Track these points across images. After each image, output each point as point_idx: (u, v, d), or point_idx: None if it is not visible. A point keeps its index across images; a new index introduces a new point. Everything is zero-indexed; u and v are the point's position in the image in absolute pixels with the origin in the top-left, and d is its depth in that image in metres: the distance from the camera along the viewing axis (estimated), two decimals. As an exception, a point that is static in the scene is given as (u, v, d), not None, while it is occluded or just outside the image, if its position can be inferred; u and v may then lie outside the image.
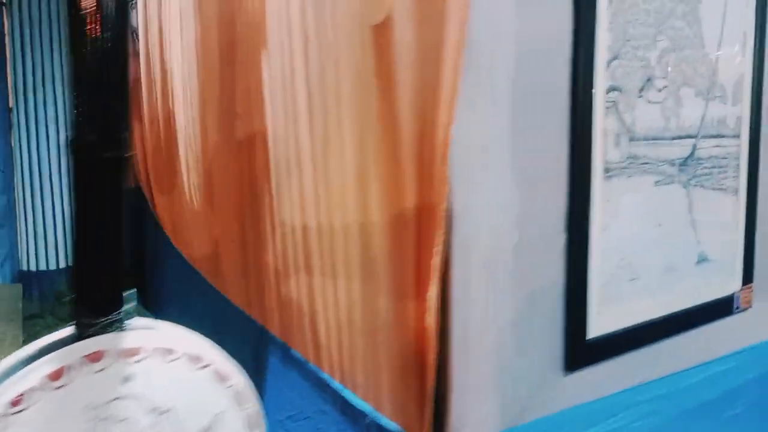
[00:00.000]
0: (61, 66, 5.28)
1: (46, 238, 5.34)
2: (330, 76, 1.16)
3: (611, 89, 1.17)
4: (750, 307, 1.55)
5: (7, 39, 5.13)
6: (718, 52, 1.39)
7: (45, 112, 5.24)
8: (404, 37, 0.93)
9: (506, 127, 0.99)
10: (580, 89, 1.10)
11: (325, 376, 1.33)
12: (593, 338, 1.17)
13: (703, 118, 1.38)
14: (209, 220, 1.97)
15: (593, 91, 1.12)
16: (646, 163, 1.26)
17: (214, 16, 1.75)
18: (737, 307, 1.51)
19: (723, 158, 1.45)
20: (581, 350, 1.15)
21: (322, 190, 1.25)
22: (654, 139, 1.27)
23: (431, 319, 0.94)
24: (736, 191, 1.49)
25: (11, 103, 5.23)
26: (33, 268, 5.36)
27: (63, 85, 5.31)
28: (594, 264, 1.16)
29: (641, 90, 1.23)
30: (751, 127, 1.51)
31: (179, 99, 2.25)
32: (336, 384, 1.29)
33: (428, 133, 0.92)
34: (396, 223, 1.00)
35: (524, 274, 1.05)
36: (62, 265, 5.42)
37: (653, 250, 1.30)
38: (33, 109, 5.21)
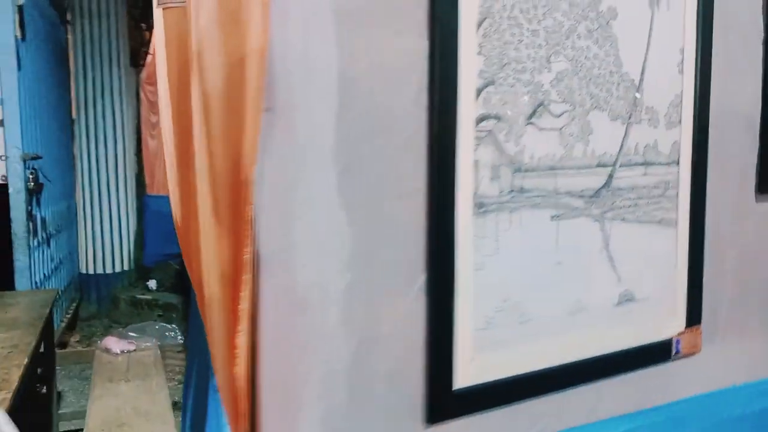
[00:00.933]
0: (120, 79, 5.52)
1: (103, 242, 5.58)
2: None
3: (485, 118, 1.06)
4: (699, 351, 1.39)
5: (70, 54, 5.40)
6: (643, 72, 1.25)
7: (104, 123, 5.49)
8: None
9: (331, 164, 0.91)
10: (435, 120, 1.00)
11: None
12: (463, 388, 1.07)
13: (622, 145, 1.24)
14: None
15: (456, 121, 1.02)
16: (540, 196, 1.14)
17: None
18: (677, 352, 1.36)
19: (654, 188, 1.30)
20: (447, 401, 1.05)
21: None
22: (550, 169, 1.15)
23: (240, 368, 0.88)
24: (674, 223, 1.34)
25: (74, 114, 5.50)
26: (91, 271, 5.62)
27: (121, 97, 5.55)
28: (464, 306, 1.06)
29: (530, 117, 1.11)
30: (694, 152, 1.35)
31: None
32: None
33: (229, 173, 0.86)
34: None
35: (365, 316, 0.97)
36: (118, 269, 5.66)
37: (551, 290, 1.18)
38: (93, 120, 5.45)
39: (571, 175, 1.18)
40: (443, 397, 1.05)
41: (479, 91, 1.05)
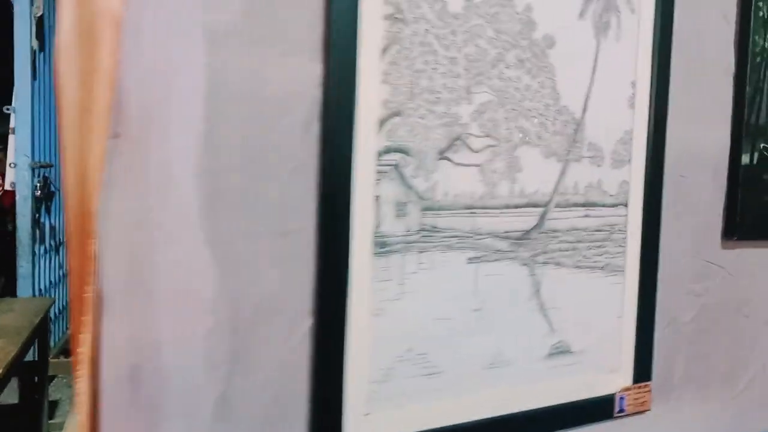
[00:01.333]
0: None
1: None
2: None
3: (389, 150, 0.97)
4: (648, 410, 1.27)
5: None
6: (586, 106, 1.15)
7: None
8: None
9: (193, 196, 0.84)
10: (327, 151, 0.92)
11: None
12: (353, 444, 0.97)
13: (558, 183, 1.14)
14: None
15: (351, 153, 0.93)
16: (455, 237, 1.04)
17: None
18: (621, 411, 1.23)
19: (597, 231, 1.19)
20: (334, 459, 0.96)
21: None
22: (468, 208, 1.05)
23: (82, 416, 0.80)
24: (621, 270, 1.22)
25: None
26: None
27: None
28: (358, 355, 0.97)
29: (444, 151, 1.02)
30: (646, 194, 1.24)
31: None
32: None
33: (76, 203, 0.79)
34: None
35: (232, 365, 0.88)
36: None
37: (467, 339, 1.07)
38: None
39: (495, 214, 1.08)
40: (330, 456, 0.96)
41: (383, 122, 0.96)
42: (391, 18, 0.96)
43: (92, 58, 0.77)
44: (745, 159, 1.35)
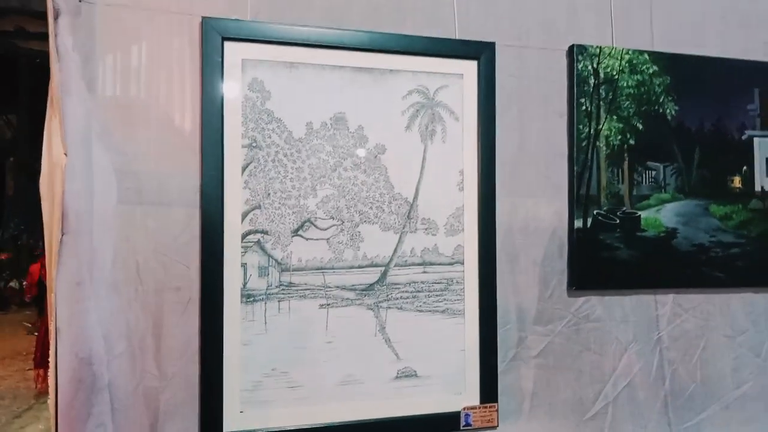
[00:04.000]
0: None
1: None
2: None
3: (251, 232, 1.44)
4: (496, 426, 1.56)
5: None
6: (417, 191, 1.55)
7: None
8: None
9: (108, 276, 1.34)
10: (205, 236, 1.40)
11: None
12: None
13: (396, 249, 1.53)
14: None
15: (222, 236, 1.41)
16: (308, 289, 1.47)
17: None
18: (467, 425, 1.54)
19: (436, 283, 1.56)
20: (216, 442, 1.38)
21: None
22: (319, 269, 1.47)
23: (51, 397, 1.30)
24: (461, 313, 1.56)
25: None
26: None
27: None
28: (232, 371, 1.40)
29: (296, 231, 1.46)
30: (481, 254, 1.58)
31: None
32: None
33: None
34: None
35: (144, 373, 1.35)
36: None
37: (321, 364, 1.47)
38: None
39: (342, 273, 1.49)
40: (212, 440, 1.38)
41: (245, 214, 1.43)
42: (248, 146, 1.44)
43: (53, 187, 1.32)
44: (579, 223, 1.65)
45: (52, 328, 1.31)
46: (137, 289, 1.36)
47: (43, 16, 1.32)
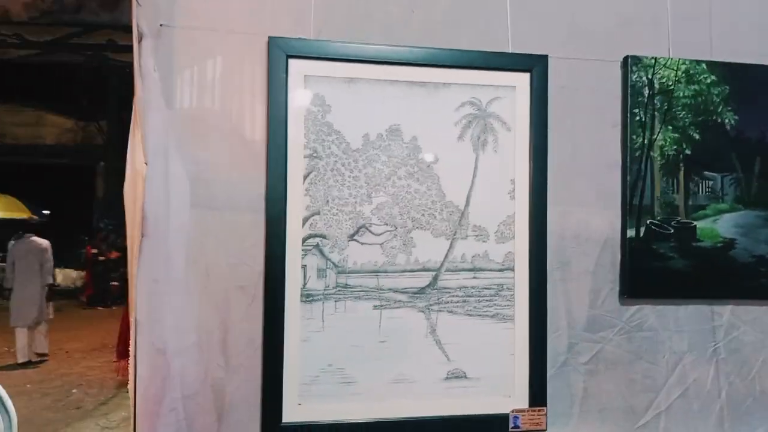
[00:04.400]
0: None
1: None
2: None
3: (311, 236, 1.54)
4: (544, 429, 1.59)
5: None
6: (469, 199, 1.60)
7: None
8: None
9: (183, 273, 1.47)
10: (269, 239, 1.51)
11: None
12: (290, 423, 1.49)
13: (447, 255, 1.59)
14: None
15: (285, 239, 1.51)
16: (363, 291, 1.55)
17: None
18: (515, 427, 1.58)
19: (486, 288, 1.61)
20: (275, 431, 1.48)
21: None
22: (373, 272, 1.56)
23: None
24: (511, 318, 1.61)
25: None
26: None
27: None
28: (292, 365, 1.50)
29: (353, 236, 1.55)
30: (532, 262, 1.62)
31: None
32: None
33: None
34: None
35: (214, 365, 1.47)
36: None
37: (374, 362, 1.54)
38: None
39: (395, 276, 1.57)
40: (272, 429, 1.48)
41: (306, 220, 1.53)
42: (310, 156, 1.54)
43: (135, 193, 1.46)
44: (632, 233, 1.66)
45: (132, 321, 1.45)
46: (206, 287, 1.48)
47: (131, 30, 1.46)
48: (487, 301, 1.60)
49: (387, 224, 1.57)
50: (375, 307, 1.55)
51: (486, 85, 1.63)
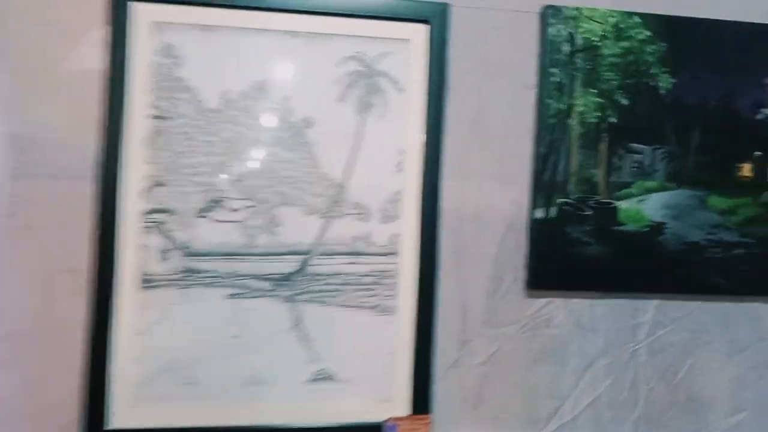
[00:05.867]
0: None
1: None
2: None
3: (154, 211, 1.28)
4: (429, 440, 1.35)
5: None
6: (350, 172, 1.35)
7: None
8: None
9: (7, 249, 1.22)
10: (100, 214, 1.25)
11: None
12: (118, 429, 1.25)
13: (321, 236, 1.34)
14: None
15: (118, 214, 1.26)
16: (214, 277, 1.30)
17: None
18: (393, 437, 1.34)
19: (366, 276, 1.36)
20: (100, 438, 1.24)
21: None
22: (228, 254, 1.30)
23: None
24: (393, 311, 1.36)
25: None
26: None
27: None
28: (123, 363, 1.26)
29: (202, 211, 1.29)
30: (422, 245, 1.37)
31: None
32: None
33: None
34: None
35: (27, 360, 1.23)
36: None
37: (224, 360, 1.30)
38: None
39: (255, 260, 1.31)
40: (96, 435, 1.24)
41: (147, 191, 1.27)
42: (155, 117, 1.28)
43: None
44: (540, 213, 1.39)
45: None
46: (26, 269, 1.23)
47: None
48: (366, 290, 1.35)
49: (248, 198, 1.31)
50: (229, 296, 1.30)
51: (374, 38, 1.36)
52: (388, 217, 1.36)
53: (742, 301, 1.47)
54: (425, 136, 1.36)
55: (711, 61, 1.46)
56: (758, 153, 1.47)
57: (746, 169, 1.47)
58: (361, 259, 1.35)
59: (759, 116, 1.48)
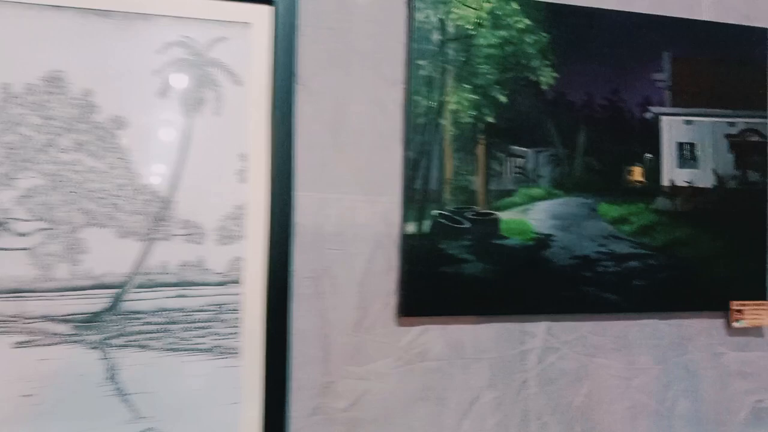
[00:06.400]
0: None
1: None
2: None
3: None
4: (285, 508, 1.10)
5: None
6: (176, 183, 1.08)
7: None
8: None
9: None
10: None
11: None
12: None
13: (140, 263, 1.06)
14: None
15: None
16: (-3, 322, 1.00)
17: None
18: (239, 508, 1.08)
19: (198, 311, 1.09)
20: None
21: None
22: (15, 292, 1.01)
23: None
24: (234, 352, 1.10)
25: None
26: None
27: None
28: None
29: (-22, 237, 1.00)
30: (271, 269, 1.12)
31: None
32: None
33: None
34: None
35: None
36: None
37: (14, 426, 1.00)
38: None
39: (51, 297, 1.03)
40: None
41: None
42: None
43: None
44: (412, 228, 1.19)
45: None
46: None
47: None
48: (200, 329, 1.10)
49: (40, 219, 1.03)
50: (17, 344, 1.01)
51: (206, 20, 1.12)
52: (228, 237, 1.11)
53: (640, 318, 1.32)
54: (273, 138, 1.13)
55: (596, 54, 1.31)
56: (649, 155, 1.33)
57: (637, 173, 1.32)
58: (193, 290, 1.09)
59: (647, 115, 1.34)
